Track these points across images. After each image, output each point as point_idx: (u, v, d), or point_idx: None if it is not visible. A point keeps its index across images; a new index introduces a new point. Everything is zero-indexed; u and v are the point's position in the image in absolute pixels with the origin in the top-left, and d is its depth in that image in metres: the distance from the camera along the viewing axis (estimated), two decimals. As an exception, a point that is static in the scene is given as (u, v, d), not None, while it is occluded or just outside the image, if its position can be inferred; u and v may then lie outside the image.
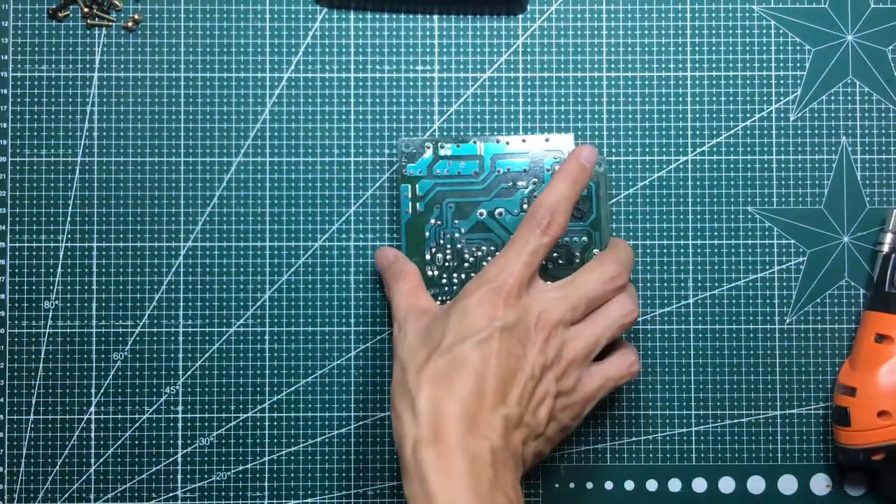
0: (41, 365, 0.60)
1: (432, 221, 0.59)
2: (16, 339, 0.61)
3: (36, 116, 0.61)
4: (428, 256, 0.59)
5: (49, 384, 0.60)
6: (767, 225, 0.61)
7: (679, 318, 0.61)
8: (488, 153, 0.59)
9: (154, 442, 0.61)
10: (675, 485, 0.61)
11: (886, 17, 0.61)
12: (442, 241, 0.59)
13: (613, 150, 0.61)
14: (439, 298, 0.59)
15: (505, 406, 0.51)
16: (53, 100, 0.61)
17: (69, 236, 0.61)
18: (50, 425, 0.60)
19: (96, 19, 0.61)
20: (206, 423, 0.61)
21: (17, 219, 0.61)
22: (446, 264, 0.59)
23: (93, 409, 0.61)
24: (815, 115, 0.61)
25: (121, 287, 0.61)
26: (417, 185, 0.59)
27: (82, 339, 0.61)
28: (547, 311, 0.53)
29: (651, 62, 0.61)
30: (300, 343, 0.61)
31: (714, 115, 0.61)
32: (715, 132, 0.61)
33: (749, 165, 0.61)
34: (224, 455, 0.61)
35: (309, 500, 0.61)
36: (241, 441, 0.61)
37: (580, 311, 0.54)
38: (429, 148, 0.59)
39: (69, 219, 0.61)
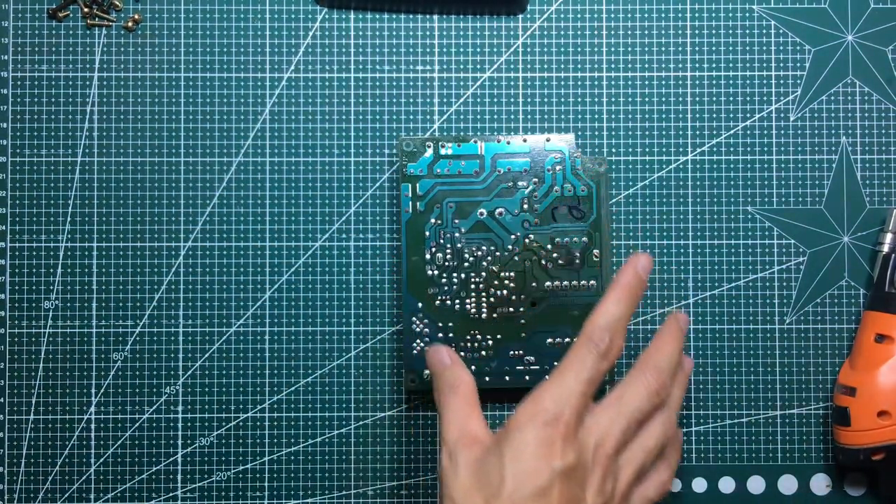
0: (41, 365, 0.60)
1: (432, 221, 0.59)
2: (16, 339, 0.61)
3: (36, 116, 0.61)
4: (428, 256, 0.59)
5: (49, 384, 0.60)
6: (767, 225, 0.61)
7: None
8: (489, 152, 0.59)
9: (154, 442, 0.61)
10: (675, 485, 0.61)
11: (886, 17, 0.61)
12: (442, 241, 0.59)
13: (613, 150, 0.61)
14: (438, 298, 0.59)
15: None
16: (53, 100, 0.61)
17: (69, 236, 0.61)
18: (50, 425, 0.60)
19: (96, 19, 0.61)
20: (206, 423, 0.61)
21: (17, 219, 0.61)
22: (446, 264, 0.59)
23: (93, 409, 0.61)
24: (815, 115, 0.61)
25: (121, 287, 0.61)
26: (418, 185, 0.59)
27: (82, 339, 0.61)
28: (603, 442, 0.50)
29: (651, 62, 0.61)
30: (300, 343, 0.61)
31: (714, 115, 0.61)
32: (715, 132, 0.61)
33: (749, 165, 0.61)
34: (224, 455, 0.61)
35: (309, 500, 0.61)
36: (241, 441, 0.61)
37: (631, 434, 0.51)
38: (429, 147, 0.59)
39: (69, 219, 0.61)
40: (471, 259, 0.59)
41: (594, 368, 0.50)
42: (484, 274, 0.59)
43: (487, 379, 0.59)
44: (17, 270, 0.61)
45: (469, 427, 0.51)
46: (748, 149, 0.61)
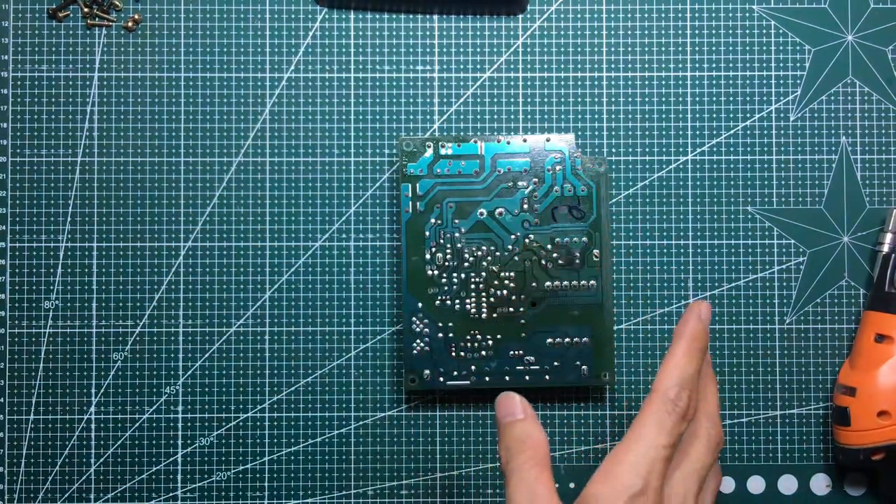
0: (41, 365, 0.60)
1: (432, 221, 0.59)
2: (16, 339, 0.61)
3: (36, 116, 0.61)
4: (428, 256, 0.59)
5: (49, 384, 0.60)
6: (767, 225, 0.61)
7: (679, 319, 0.61)
8: (489, 152, 0.59)
9: (154, 442, 0.61)
10: (675, 485, 0.61)
11: (886, 17, 0.61)
12: (442, 241, 0.59)
13: (613, 150, 0.61)
14: (438, 298, 0.59)
15: None
16: (53, 100, 0.61)
17: (69, 236, 0.61)
18: (50, 425, 0.60)
19: (96, 19, 0.61)
20: (206, 423, 0.61)
21: (17, 219, 0.61)
22: (446, 264, 0.59)
23: (93, 409, 0.61)
24: (815, 115, 0.61)
25: (121, 287, 0.61)
26: (418, 185, 0.59)
27: (82, 339, 0.61)
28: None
29: (651, 62, 0.61)
30: (300, 343, 0.61)
31: (714, 115, 0.61)
32: (715, 132, 0.61)
33: (749, 165, 0.61)
34: (224, 455, 0.61)
35: (309, 500, 0.61)
36: (241, 441, 0.61)
37: (699, 490, 0.50)
38: (429, 147, 0.59)
39: (69, 219, 0.61)
40: (471, 259, 0.59)
41: (675, 432, 0.48)
42: (484, 274, 0.59)
43: (487, 379, 0.59)
44: (17, 270, 0.61)
45: (538, 492, 0.47)
46: (748, 149, 0.61)
